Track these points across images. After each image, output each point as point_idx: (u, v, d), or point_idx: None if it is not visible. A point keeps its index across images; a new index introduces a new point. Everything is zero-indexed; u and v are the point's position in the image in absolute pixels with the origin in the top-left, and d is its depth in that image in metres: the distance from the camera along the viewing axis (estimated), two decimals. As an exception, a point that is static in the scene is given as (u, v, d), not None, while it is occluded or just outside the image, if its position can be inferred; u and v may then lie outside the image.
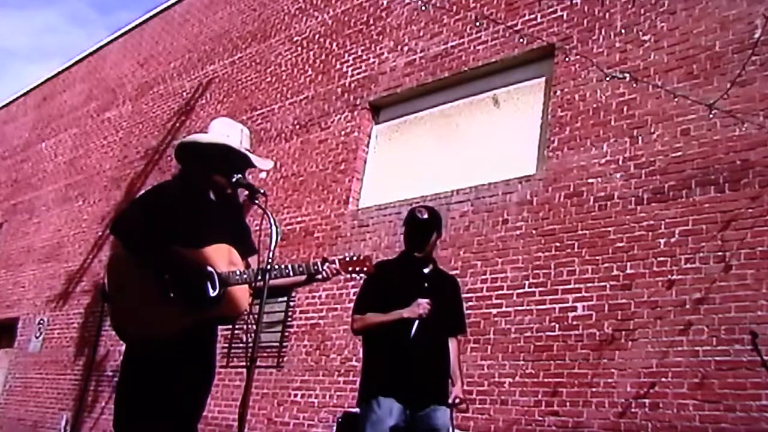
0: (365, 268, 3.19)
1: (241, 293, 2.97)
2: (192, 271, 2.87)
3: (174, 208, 2.96)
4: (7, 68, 50.50)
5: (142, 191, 3.23)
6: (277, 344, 7.86)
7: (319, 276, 3.11)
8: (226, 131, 3.14)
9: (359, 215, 7.82)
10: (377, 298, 3.72)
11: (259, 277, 2.90)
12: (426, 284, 3.77)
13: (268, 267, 2.85)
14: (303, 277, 3.14)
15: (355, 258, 3.19)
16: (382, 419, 3.48)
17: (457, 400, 3.73)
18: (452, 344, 3.86)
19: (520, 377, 5.76)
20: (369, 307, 3.74)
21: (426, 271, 3.86)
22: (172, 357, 2.84)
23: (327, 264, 3.10)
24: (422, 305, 3.59)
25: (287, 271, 3.05)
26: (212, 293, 2.88)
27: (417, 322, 3.59)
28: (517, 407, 5.68)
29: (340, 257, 3.19)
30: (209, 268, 2.90)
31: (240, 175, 3.09)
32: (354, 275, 3.25)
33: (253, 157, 3.14)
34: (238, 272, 2.95)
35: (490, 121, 7.22)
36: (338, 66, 8.89)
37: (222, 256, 2.96)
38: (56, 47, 56.03)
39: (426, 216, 3.81)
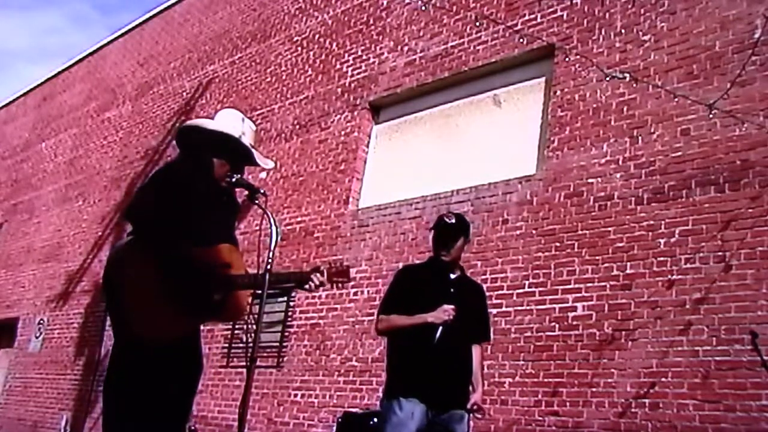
0: (345, 279, 3.18)
1: (243, 297, 2.97)
2: (196, 273, 2.85)
3: (184, 200, 2.92)
4: (9, 69, 50.52)
5: (152, 173, 3.16)
6: (277, 344, 7.86)
7: (310, 285, 3.09)
8: (232, 122, 3.12)
9: (359, 215, 7.82)
10: (403, 300, 3.77)
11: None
12: (452, 289, 3.81)
13: (270, 270, 2.85)
14: (293, 284, 3.18)
15: (339, 268, 3.17)
16: (404, 422, 3.51)
17: (476, 407, 3.75)
18: (476, 351, 3.89)
19: (520, 377, 5.76)
20: (395, 308, 3.79)
21: (453, 276, 3.90)
22: (165, 357, 2.83)
23: (318, 274, 3.08)
24: (448, 311, 3.62)
25: (282, 278, 3.10)
26: (216, 297, 2.88)
27: (441, 327, 3.62)
28: (517, 407, 5.68)
29: (327, 267, 3.16)
30: (215, 272, 2.89)
31: (240, 175, 3.08)
32: (337, 286, 3.25)
33: (255, 153, 3.12)
34: (240, 276, 2.94)
35: (490, 121, 7.22)
36: (338, 66, 8.89)
37: (226, 256, 2.95)
38: (58, 48, 56.09)
39: (454, 221, 3.89)
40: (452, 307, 3.64)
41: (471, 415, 3.77)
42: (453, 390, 3.69)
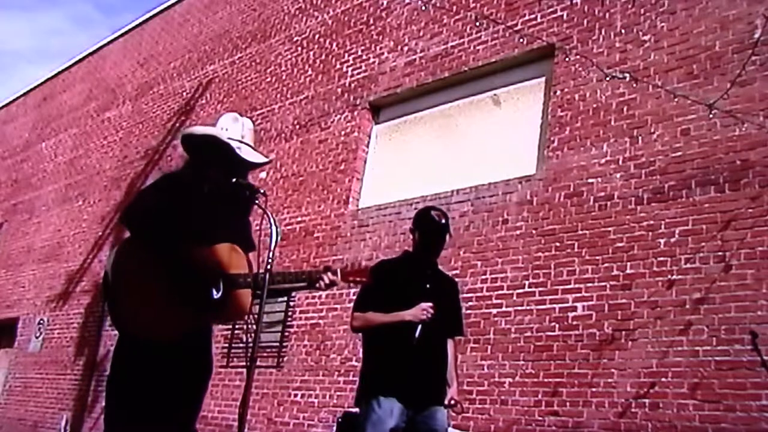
0: (364, 279, 3.14)
1: (245, 296, 2.95)
2: (196, 271, 2.85)
3: (183, 201, 2.93)
4: (11, 70, 50.47)
5: (153, 180, 3.19)
6: (277, 344, 7.86)
7: (320, 284, 3.05)
8: (226, 125, 3.13)
9: (359, 215, 7.82)
10: (379, 297, 3.71)
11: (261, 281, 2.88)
12: (427, 285, 3.79)
13: (271, 270, 2.84)
14: (304, 283, 3.11)
15: (355, 268, 3.14)
16: (383, 419, 3.48)
17: (452, 402, 3.74)
18: (450, 346, 3.88)
19: (520, 377, 5.76)
20: (370, 305, 3.73)
21: (428, 272, 3.88)
22: (170, 357, 2.82)
23: (329, 273, 3.05)
24: (426, 310, 3.60)
25: (290, 277, 3.05)
26: (216, 296, 2.86)
27: (420, 325, 3.59)
28: (517, 407, 5.68)
29: (342, 267, 3.14)
30: (214, 270, 2.88)
31: (238, 177, 3.06)
32: (353, 285, 3.22)
33: (236, 145, 3.05)
34: (242, 275, 2.93)
35: (490, 121, 7.22)
36: (338, 66, 8.89)
37: (226, 256, 2.94)
38: (61, 49, 56.07)
39: (444, 221, 3.84)
40: (430, 304, 3.61)
41: (449, 410, 3.76)
42: (431, 387, 3.67)
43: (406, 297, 3.66)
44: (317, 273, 3.06)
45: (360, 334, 3.99)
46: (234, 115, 3.23)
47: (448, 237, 3.90)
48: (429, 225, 3.85)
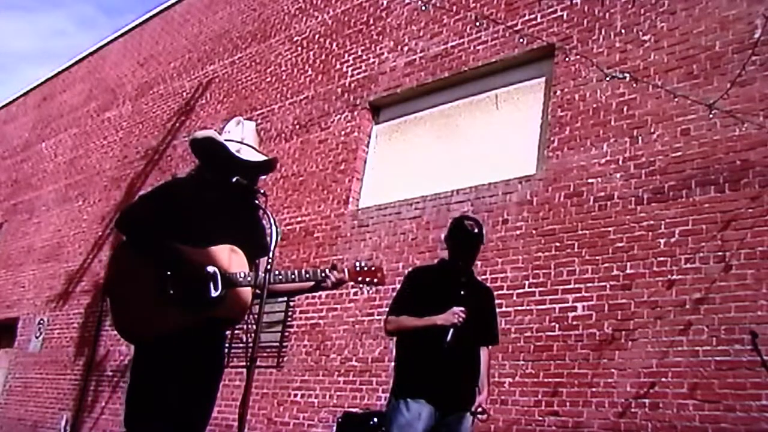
0: (376, 279, 3.09)
1: (244, 295, 2.93)
2: (193, 270, 2.84)
3: (181, 205, 2.93)
4: (13, 70, 50.46)
5: (153, 187, 3.19)
6: (277, 344, 7.86)
7: (327, 283, 3.02)
8: (229, 128, 3.14)
9: (359, 215, 7.82)
10: (413, 301, 3.77)
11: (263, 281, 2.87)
12: (462, 292, 3.82)
13: (274, 271, 2.83)
14: (309, 284, 3.07)
15: (366, 268, 3.09)
16: (411, 423, 3.51)
17: (480, 409, 3.76)
18: (483, 353, 3.90)
19: (520, 377, 5.76)
20: (404, 309, 3.79)
21: (463, 279, 3.91)
22: (173, 357, 2.81)
23: (336, 272, 3.02)
24: (457, 314, 3.62)
25: (293, 276, 2.99)
26: (214, 294, 2.85)
27: (452, 329, 3.62)
28: (517, 407, 5.68)
29: (350, 266, 3.10)
30: (212, 268, 2.87)
31: (238, 177, 3.05)
32: (364, 286, 3.17)
33: (235, 147, 3.03)
34: (242, 274, 2.91)
35: (490, 121, 7.22)
36: (338, 66, 8.89)
37: (225, 257, 2.93)
38: (64, 50, 56.06)
39: (477, 230, 3.88)
40: (462, 309, 3.64)
41: (475, 416, 3.77)
42: (461, 392, 3.70)
43: (441, 303, 3.69)
44: (323, 272, 3.03)
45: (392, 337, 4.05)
46: (238, 119, 3.24)
47: (481, 245, 3.94)
48: (463, 234, 3.89)
